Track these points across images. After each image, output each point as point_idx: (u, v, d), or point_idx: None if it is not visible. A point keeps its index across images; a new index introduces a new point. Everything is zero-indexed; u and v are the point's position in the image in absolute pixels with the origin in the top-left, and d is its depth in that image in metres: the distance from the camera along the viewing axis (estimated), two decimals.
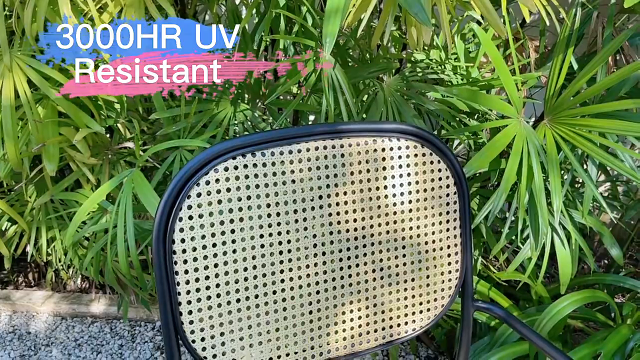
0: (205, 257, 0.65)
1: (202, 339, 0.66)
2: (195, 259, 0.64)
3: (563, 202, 1.19)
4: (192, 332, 0.66)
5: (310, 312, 0.73)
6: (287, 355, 0.72)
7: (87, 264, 1.18)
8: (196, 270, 0.65)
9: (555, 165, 1.03)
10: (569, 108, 1.03)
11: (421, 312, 0.79)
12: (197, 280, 0.65)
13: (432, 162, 0.75)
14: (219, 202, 0.65)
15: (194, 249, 0.64)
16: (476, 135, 1.18)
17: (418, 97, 1.12)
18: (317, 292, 0.73)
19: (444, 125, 1.14)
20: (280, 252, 0.69)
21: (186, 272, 0.64)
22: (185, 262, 0.64)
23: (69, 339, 1.64)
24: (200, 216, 0.64)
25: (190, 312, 0.65)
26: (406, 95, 1.12)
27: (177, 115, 1.07)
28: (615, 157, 1.03)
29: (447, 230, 0.78)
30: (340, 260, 0.73)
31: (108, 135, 1.22)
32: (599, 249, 1.93)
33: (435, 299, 0.80)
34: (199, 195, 0.64)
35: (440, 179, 0.76)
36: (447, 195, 0.77)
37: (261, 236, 0.68)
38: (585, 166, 1.23)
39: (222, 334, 0.68)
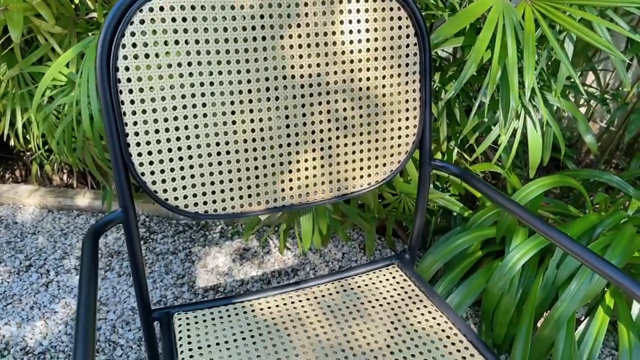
0: (152, 89, 0.64)
1: (152, 172, 0.67)
2: (141, 90, 0.64)
3: (538, 86, 1.18)
4: (141, 164, 0.66)
5: (264, 157, 0.73)
6: (241, 197, 0.74)
7: (59, 139, 1.18)
8: (142, 101, 0.64)
9: (532, 42, 1.00)
10: None
11: (377, 166, 0.80)
12: (143, 112, 0.65)
13: (391, 9, 0.73)
14: (164, 31, 0.63)
15: (139, 79, 0.64)
16: (455, 12, 1.14)
17: None
18: (271, 138, 0.73)
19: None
20: (231, 93, 0.69)
21: (132, 102, 0.64)
22: (130, 91, 0.64)
23: (55, 228, 1.69)
24: (145, 45, 0.63)
25: (138, 144, 0.66)
26: None
27: None
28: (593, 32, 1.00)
29: (406, 83, 0.77)
30: (295, 107, 0.73)
31: (74, 7, 1.18)
32: (584, 160, 1.93)
33: (392, 154, 0.80)
34: (142, 22, 0.62)
35: (400, 27, 0.74)
36: (407, 46, 0.75)
37: (210, 73, 0.67)
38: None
39: (172, 169, 0.68)
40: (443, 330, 0.75)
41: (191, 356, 0.70)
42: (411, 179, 1.32)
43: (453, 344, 0.73)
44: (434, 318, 0.78)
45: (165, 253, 1.58)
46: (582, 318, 1.19)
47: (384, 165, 0.80)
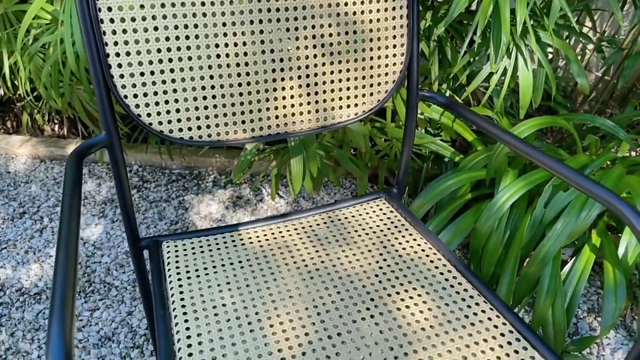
0: (131, 8, 0.63)
1: (135, 95, 0.67)
2: (120, 8, 0.63)
3: (531, 24, 1.16)
4: (124, 86, 0.66)
5: (248, 84, 0.73)
6: (225, 124, 0.74)
7: (46, 82, 1.17)
8: (123, 20, 0.63)
9: None
10: None
11: (363, 95, 0.80)
12: (124, 31, 0.64)
13: None
14: None
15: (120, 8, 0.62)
16: None
17: None
18: (255, 63, 0.72)
19: None
20: (213, 14, 0.68)
21: (112, 20, 0.63)
22: (109, 9, 0.62)
23: (47, 177, 1.69)
24: None
25: (119, 65, 0.65)
26: None
27: None
28: None
29: (393, 9, 0.76)
30: (279, 30, 0.72)
31: None
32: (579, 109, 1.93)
33: (379, 83, 0.80)
34: None
35: None
36: None
37: (192, 4, 0.66)
38: None
39: (155, 93, 0.68)
40: (427, 256, 0.77)
41: (179, 280, 0.72)
42: (403, 124, 1.31)
43: (437, 267, 0.75)
44: (418, 245, 0.79)
45: (158, 201, 1.59)
46: (568, 260, 1.21)
47: (371, 94, 0.80)
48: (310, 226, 0.84)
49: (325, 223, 0.85)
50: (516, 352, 0.61)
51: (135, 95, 0.67)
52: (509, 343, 0.63)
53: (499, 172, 1.23)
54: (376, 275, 0.73)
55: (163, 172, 1.73)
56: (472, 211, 1.23)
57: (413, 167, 1.54)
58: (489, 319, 0.66)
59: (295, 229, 0.83)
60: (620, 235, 1.17)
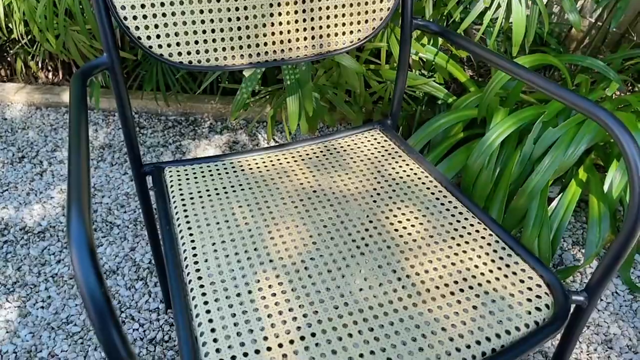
0: None
1: (135, 17, 0.68)
2: None
3: None
4: (123, 7, 0.67)
5: (246, 8, 0.74)
6: (224, 49, 0.75)
7: (40, 23, 1.17)
8: None
9: None
10: None
11: (358, 22, 0.81)
12: None
13: None
14: None
15: None
16: None
17: None
18: None
19: None
20: None
21: None
22: None
23: (44, 124, 1.70)
24: None
25: None
26: None
27: None
28: None
29: None
30: None
31: None
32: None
33: (374, 11, 0.81)
34: None
35: None
36: None
37: None
38: None
39: (154, 15, 0.69)
40: (420, 179, 0.80)
41: (183, 201, 0.75)
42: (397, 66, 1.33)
43: (428, 188, 0.78)
44: (411, 169, 0.82)
45: (155, 146, 1.61)
46: (555, 197, 1.25)
47: (366, 22, 0.81)
48: (307, 154, 0.87)
49: (321, 151, 0.88)
50: (501, 258, 0.66)
51: (135, 17, 0.68)
52: (495, 251, 0.67)
53: (490, 111, 1.26)
54: (371, 196, 0.76)
55: (159, 119, 1.75)
56: (463, 149, 1.26)
57: (407, 111, 1.56)
58: (477, 231, 0.70)
59: (293, 157, 0.86)
60: (606, 173, 1.21)
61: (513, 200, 1.17)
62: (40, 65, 1.81)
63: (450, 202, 0.75)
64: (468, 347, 0.55)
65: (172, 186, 0.78)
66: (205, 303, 0.58)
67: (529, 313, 0.59)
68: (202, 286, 0.61)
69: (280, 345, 0.54)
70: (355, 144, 0.90)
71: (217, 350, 0.53)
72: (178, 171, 0.82)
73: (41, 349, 1.01)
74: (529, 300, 0.60)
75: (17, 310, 1.08)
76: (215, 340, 0.54)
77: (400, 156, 0.86)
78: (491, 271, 0.64)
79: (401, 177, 0.80)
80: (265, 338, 0.55)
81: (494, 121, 1.21)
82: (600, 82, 1.55)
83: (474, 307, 0.59)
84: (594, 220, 1.17)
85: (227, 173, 0.81)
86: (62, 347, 1.01)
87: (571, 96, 0.61)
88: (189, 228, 0.69)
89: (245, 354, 0.53)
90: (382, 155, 0.86)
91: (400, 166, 0.83)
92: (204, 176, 0.81)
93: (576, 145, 1.13)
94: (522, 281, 0.63)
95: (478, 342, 0.55)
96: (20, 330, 1.04)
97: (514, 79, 1.40)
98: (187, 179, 0.80)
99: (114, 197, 1.39)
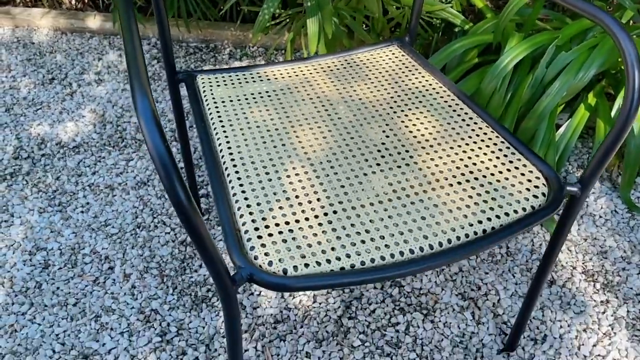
0: None
1: None
2: None
3: None
4: None
5: None
6: None
7: None
8: None
9: None
10: None
11: None
12: None
13: None
14: None
15: None
16: None
17: None
18: None
19: None
20: None
21: None
22: None
23: (70, 48, 1.75)
24: None
25: None
26: None
27: None
28: None
29: None
30: None
31: None
32: None
33: None
34: None
35: None
36: None
37: None
38: None
39: None
40: (434, 89, 0.86)
41: (215, 103, 0.82)
42: None
43: (442, 97, 0.84)
44: (427, 81, 0.88)
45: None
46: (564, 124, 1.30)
47: None
48: (329, 66, 0.93)
49: (342, 64, 0.93)
50: (505, 156, 0.72)
51: None
52: (500, 150, 0.74)
53: (506, 36, 1.29)
54: (387, 103, 0.83)
55: (180, 45, 1.79)
56: (477, 73, 1.30)
57: (424, 38, 1.59)
58: (485, 134, 0.77)
59: (315, 69, 0.92)
60: (615, 101, 1.25)
61: (523, 122, 1.22)
62: None
63: (462, 109, 0.81)
64: (471, 225, 0.63)
65: (204, 91, 0.85)
66: (241, 185, 0.67)
67: (527, 199, 0.66)
68: (237, 172, 0.69)
69: (306, 219, 0.62)
70: (375, 58, 0.95)
71: (253, 221, 0.62)
72: (209, 79, 0.88)
73: (84, 247, 1.12)
74: (528, 189, 0.67)
75: (59, 214, 1.18)
76: (250, 214, 0.63)
77: (417, 69, 0.91)
78: (495, 166, 0.71)
79: (417, 88, 0.86)
80: (294, 213, 0.63)
81: (508, 45, 1.25)
82: (617, 10, 1.55)
83: (478, 194, 0.67)
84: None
85: (254, 81, 0.88)
86: (102, 245, 1.12)
87: (578, 2, 0.65)
88: (222, 126, 0.77)
89: (277, 225, 0.61)
90: (400, 68, 0.91)
91: (417, 78, 0.89)
92: (233, 83, 0.87)
93: (587, 69, 1.17)
94: (522, 174, 0.70)
95: (480, 222, 0.63)
96: (63, 230, 1.15)
97: (530, 5, 1.42)
98: (218, 85, 0.86)
99: None
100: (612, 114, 1.25)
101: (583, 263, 1.10)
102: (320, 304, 1.02)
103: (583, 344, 0.96)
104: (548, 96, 1.18)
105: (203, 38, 1.80)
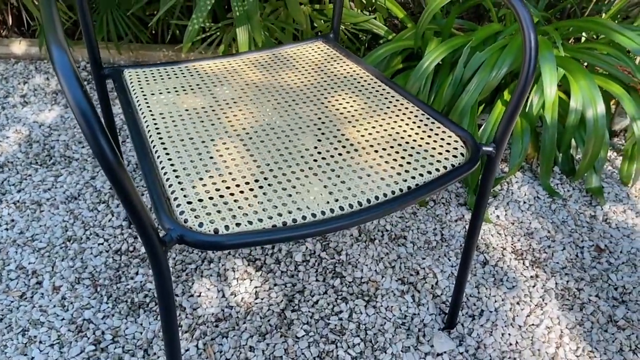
0: None
1: None
2: None
3: None
4: None
5: None
6: None
7: None
8: None
9: None
10: None
11: None
12: None
13: None
14: None
15: None
16: None
17: None
18: None
19: None
20: None
21: None
22: None
23: None
24: None
25: None
26: None
27: None
28: None
29: None
30: None
31: None
32: None
33: None
34: None
35: None
36: None
37: None
38: None
39: None
40: (359, 75, 0.90)
41: (144, 96, 0.82)
42: None
43: (365, 81, 0.88)
44: (351, 68, 0.92)
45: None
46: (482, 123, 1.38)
47: None
48: (257, 60, 0.95)
49: (270, 58, 0.96)
50: (425, 125, 0.77)
51: None
52: (421, 121, 0.78)
53: (425, 41, 1.38)
54: (315, 87, 0.86)
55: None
56: (402, 75, 1.37)
57: (351, 49, 1.66)
58: (407, 108, 0.81)
59: (244, 62, 0.94)
60: (528, 96, 1.35)
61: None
62: None
63: (384, 89, 0.86)
64: (396, 183, 0.66)
65: (132, 84, 0.85)
66: (169, 159, 0.67)
67: (447, 159, 0.70)
68: (165, 149, 0.69)
69: (237, 186, 0.63)
70: (301, 52, 0.99)
71: (182, 189, 0.62)
72: (137, 73, 0.88)
73: (9, 263, 1.06)
74: (448, 151, 0.72)
75: None
76: (180, 183, 0.63)
77: (342, 60, 0.95)
78: (417, 133, 0.75)
79: (342, 74, 0.90)
80: (224, 181, 0.64)
81: (428, 49, 1.33)
82: None
83: (402, 157, 0.70)
84: (517, 134, 1.32)
85: (183, 75, 0.89)
86: (29, 259, 1.06)
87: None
88: (150, 111, 0.77)
89: (207, 192, 0.62)
90: (326, 59, 0.95)
91: (342, 66, 0.93)
92: (161, 77, 0.88)
93: (499, 67, 1.26)
94: (442, 139, 0.74)
95: (405, 180, 0.66)
96: None
97: (445, 16, 1.52)
98: (147, 78, 0.87)
99: (71, 135, 1.42)
100: (527, 109, 1.34)
101: (512, 244, 1.16)
102: (262, 299, 1.01)
103: (517, 315, 1.00)
104: (467, 93, 1.26)
105: (135, 60, 1.80)
